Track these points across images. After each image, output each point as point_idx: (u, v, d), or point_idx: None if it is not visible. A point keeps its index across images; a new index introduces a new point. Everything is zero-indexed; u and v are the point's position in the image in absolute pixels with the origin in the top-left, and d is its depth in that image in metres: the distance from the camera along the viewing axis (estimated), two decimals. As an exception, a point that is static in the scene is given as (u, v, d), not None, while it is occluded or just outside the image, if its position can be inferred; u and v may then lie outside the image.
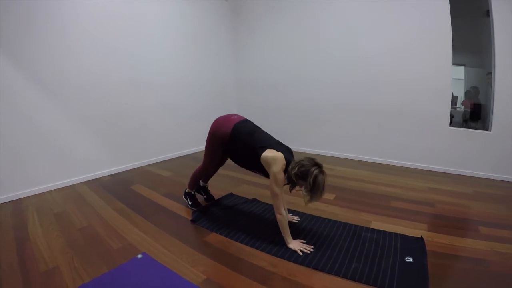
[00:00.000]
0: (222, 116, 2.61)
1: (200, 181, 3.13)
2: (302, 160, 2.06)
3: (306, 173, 1.99)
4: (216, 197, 3.22)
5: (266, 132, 2.47)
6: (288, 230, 2.22)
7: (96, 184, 3.82)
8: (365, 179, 3.79)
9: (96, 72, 3.93)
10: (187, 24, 5.23)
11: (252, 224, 2.59)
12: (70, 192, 3.53)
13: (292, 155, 2.29)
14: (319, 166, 2.02)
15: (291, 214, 2.72)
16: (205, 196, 3.21)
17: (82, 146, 3.90)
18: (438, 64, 4.00)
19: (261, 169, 2.26)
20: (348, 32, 4.72)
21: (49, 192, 3.54)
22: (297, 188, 2.16)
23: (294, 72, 5.50)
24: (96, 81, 3.94)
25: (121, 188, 3.62)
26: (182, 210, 2.97)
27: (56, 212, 2.96)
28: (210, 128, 2.58)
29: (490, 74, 3.91)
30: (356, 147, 4.95)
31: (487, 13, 3.88)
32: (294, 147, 5.46)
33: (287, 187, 2.21)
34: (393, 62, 4.35)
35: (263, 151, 2.17)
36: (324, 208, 2.90)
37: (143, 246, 2.30)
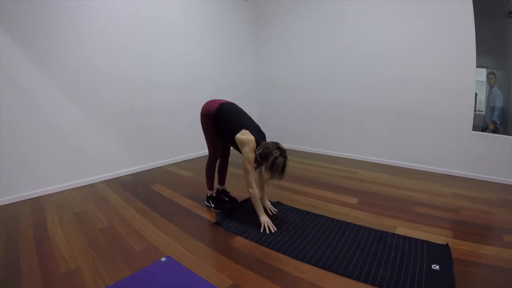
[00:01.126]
0: (210, 100, 2.79)
1: (218, 185, 3.09)
2: (267, 143, 2.34)
3: (268, 154, 2.24)
4: (238, 199, 3.11)
5: (248, 115, 2.64)
6: (260, 204, 2.50)
7: (115, 183, 3.75)
8: (387, 183, 3.65)
9: (117, 71, 3.88)
10: (208, 23, 5.17)
11: (278, 228, 2.49)
12: (89, 191, 3.47)
13: (265, 138, 2.55)
14: (281, 150, 2.28)
15: (275, 210, 2.83)
16: (226, 199, 3.10)
17: (102, 145, 3.84)
18: (462, 66, 3.81)
19: (236, 146, 2.48)
20: (371, 32, 4.56)
21: (68, 190, 3.49)
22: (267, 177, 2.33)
23: (315, 72, 5.36)
24: (117, 80, 3.90)
25: (141, 188, 3.55)
26: (204, 211, 2.87)
27: (76, 211, 2.88)
28: (201, 111, 2.73)
29: (492, 74, 3.74)
30: (377, 150, 4.77)
31: (510, 14, 3.71)
32: (315, 149, 5.43)
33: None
34: (417, 62, 4.17)
35: (239, 131, 2.40)
36: (348, 212, 2.80)
37: (166, 248, 2.20)
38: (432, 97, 4.08)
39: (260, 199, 2.64)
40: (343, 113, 5.08)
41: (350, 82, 4.90)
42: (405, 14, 4.18)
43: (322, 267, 1.93)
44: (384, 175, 4.02)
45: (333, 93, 5.15)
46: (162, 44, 4.40)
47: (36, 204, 3.08)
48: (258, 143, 2.38)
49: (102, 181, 3.80)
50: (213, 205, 2.90)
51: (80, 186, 3.61)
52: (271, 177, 2.28)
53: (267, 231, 2.39)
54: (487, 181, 3.74)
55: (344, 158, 5.01)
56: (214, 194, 2.99)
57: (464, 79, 3.81)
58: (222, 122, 2.55)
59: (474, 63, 3.73)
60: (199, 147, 5.11)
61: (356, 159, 4.95)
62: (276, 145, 2.31)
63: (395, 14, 4.27)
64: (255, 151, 2.35)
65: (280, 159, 2.23)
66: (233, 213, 2.80)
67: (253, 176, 2.41)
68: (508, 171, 3.69)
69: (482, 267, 1.96)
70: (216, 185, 3.08)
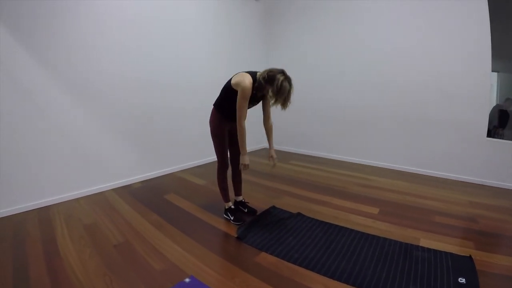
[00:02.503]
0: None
1: (235, 196, 2.97)
2: (270, 68, 2.32)
3: (273, 78, 2.22)
4: (257, 210, 2.97)
5: None
6: (246, 143, 2.42)
7: (126, 191, 3.59)
8: (405, 191, 3.59)
9: (127, 76, 3.74)
10: (219, 24, 5.05)
11: (302, 242, 2.39)
12: (99, 200, 3.30)
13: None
14: (285, 75, 2.27)
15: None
16: (245, 210, 2.95)
17: (110, 151, 3.69)
18: (476, 70, 3.75)
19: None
20: (384, 33, 4.47)
21: (77, 199, 3.33)
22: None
23: (327, 73, 5.26)
24: (126, 84, 3.75)
25: (154, 197, 3.38)
26: (224, 224, 2.71)
27: (86, 223, 2.72)
28: (210, 119, 2.66)
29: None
30: (390, 155, 4.69)
31: None
32: (325, 154, 5.29)
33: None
34: (430, 66, 4.10)
35: (231, 79, 2.40)
36: (371, 223, 2.72)
37: (188, 267, 2.04)
38: (446, 102, 4.03)
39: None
40: (355, 117, 4.99)
41: (364, 85, 4.81)
42: (420, 17, 4.11)
43: (353, 284, 1.85)
44: (400, 182, 3.97)
45: (345, 96, 5.06)
46: (172, 47, 4.27)
47: (44, 215, 2.92)
48: (253, 77, 2.36)
49: (111, 189, 3.65)
50: (232, 218, 2.75)
51: (89, 195, 3.45)
52: (276, 102, 2.29)
53: (242, 170, 2.51)
54: (502, 188, 3.73)
55: (357, 164, 4.93)
56: (232, 206, 2.84)
57: (478, 84, 3.76)
58: (223, 100, 2.54)
59: (490, 68, 3.67)
60: (209, 152, 4.96)
61: (370, 164, 4.88)
62: (281, 70, 2.30)
63: (409, 15, 4.22)
64: (254, 82, 2.32)
65: (286, 84, 2.23)
66: (254, 226, 2.66)
67: (245, 112, 2.35)
68: None
69: (505, 278, 1.93)
70: (232, 195, 2.94)
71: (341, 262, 2.09)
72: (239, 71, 2.47)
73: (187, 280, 1.88)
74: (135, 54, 3.78)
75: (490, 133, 3.89)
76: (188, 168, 4.63)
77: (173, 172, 4.41)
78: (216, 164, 2.73)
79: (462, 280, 1.88)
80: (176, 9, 4.25)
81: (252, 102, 2.45)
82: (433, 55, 4.05)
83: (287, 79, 2.27)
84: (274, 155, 2.71)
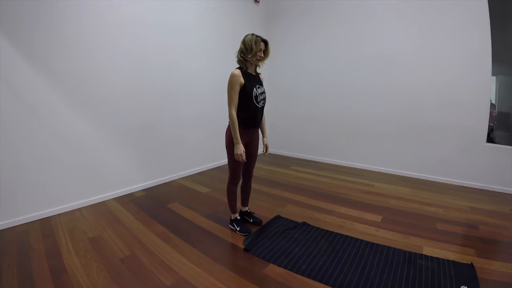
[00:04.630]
0: None
1: (241, 206, 2.95)
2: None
3: (244, 46, 2.38)
4: (262, 220, 2.96)
5: None
6: (238, 133, 2.40)
7: (129, 200, 3.55)
8: (407, 197, 3.63)
9: (127, 84, 3.70)
10: (220, 29, 5.03)
11: (309, 253, 2.40)
12: (101, 210, 3.27)
13: None
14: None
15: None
16: (251, 220, 2.94)
17: (111, 159, 3.64)
18: (476, 77, 3.80)
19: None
20: (386, 41, 4.50)
21: (79, 209, 3.29)
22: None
23: (328, 80, 5.27)
24: (128, 92, 3.71)
25: (157, 207, 3.35)
26: (230, 235, 2.70)
27: (90, 236, 2.68)
28: (226, 132, 2.62)
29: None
30: (392, 161, 4.71)
31: None
32: (328, 159, 5.29)
33: None
34: (431, 73, 4.15)
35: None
36: (375, 232, 2.74)
37: (198, 281, 2.02)
38: (447, 108, 4.07)
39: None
40: (356, 122, 5.01)
41: (365, 90, 4.83)
42: (422, 24, 4.14)
43: None
44: (401, 188, 4.00)
45: (346, 102, 5.08)
46: (172, 53, 4.24)
47: (46, 226, 2.88)
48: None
49: (113, 198, 3.61)
50: (238, 229, 2.74)
51: (91, 205, 3.41)
52: (260, 55, 2.40)
53: (240, 160, 2.43)
54: (502, 193, 3.78)
55: (359, 169, 4.95)
56: (238, 217, 2.81)
57: (478, 90, 3.80)
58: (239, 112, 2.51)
59: (490, 75, 3.71)
60: (210, 159, 4.99)
61: (371, 169, 4.90)
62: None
63: (411, 23, 4.23)
64: (242, 71, 2.41)
65: (248, 35, 2.37)
66: (260, 236, 2.65)
67: (235, 102, 2.39)
68: None
69: (506, 286, 1.97)
70: (238, 206, 2.90)
71: (348, 272, 2.12)
72: None
73: (198, 295, 1.85)
74: (134, 61, 3.75)
75: (490, 138, 3.92)
76: (190, 175, 4.61)
77: (174, 180, 4.38)
78: (228, 176, 2.69)
79: None
80: (175, 15, 4.23)
81: (254, 84, 2.48)
82: (434, 61, 4.09)
83: (253, 34, 2.38)
84: (267, 143, 2.81)
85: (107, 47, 3.46)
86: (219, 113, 4.96)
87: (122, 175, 3.77)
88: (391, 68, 4.49)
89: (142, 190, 3.93)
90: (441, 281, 2.00)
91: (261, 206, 3.28)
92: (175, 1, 4.20)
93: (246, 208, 2.98)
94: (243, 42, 2.37)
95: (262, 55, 2.44)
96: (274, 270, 2.15)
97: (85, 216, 3.13)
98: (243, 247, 2.46)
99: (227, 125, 2.53)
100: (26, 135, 2.91)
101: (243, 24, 5.52)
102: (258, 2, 5.78)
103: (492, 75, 3.74)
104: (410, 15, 4.22)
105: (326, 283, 1.98)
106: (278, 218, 3.07)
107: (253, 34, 2.37)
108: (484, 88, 3.77)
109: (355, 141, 5.09)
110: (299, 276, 2.07)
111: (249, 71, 2.48)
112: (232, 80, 2.36)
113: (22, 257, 2.33)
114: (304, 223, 2.93)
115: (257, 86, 2.49)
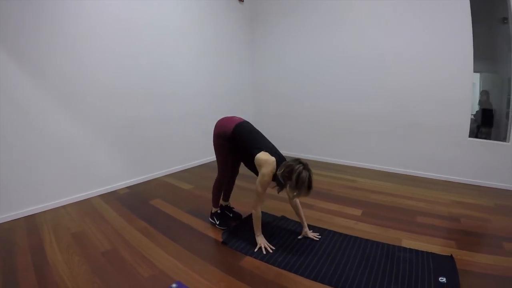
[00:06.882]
0: (224, 118, 2.67)
1: (222, 201, 3.00)
2: (288, 161, 2.21)
3: (291, 172, 2.11)
4: (242, 214, 3.04)
5: (264, 135, 2.55)
6: (260, 226, 2.40)
7: (113, 197, 3.62)
8: (389, 192, 3.70)
9: (110, 81, 3.75)
10: (204, 28, 5.08)
11: (287, 246, 2.47)
12: (86, 207, 3.33)
13: (284, 160, 2.36)
14: (303, 164, 2.15)
15: (311, 230, 2.66)
16: (231, 215, 3.03)
17: (97, 157, 3.70)
18: (459, 75, 3.91)
19: (254, 169, 2.38)
20: (371, 39, 4.59)
21: (64, 207, 3.34)
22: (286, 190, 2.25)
23: (312, 78, 5.35)
24: (110, 90, 3.76)
25: (140, 203, 3.42)
26: (210, 229, 2.78)
27: (74, 231, 2.75)
28: (214, 131, 2.61)
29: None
30: (376, 157, 4.81)
31: (504, 20, 3.82)
32: (312, 156, 5.38)
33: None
34: (413, 71, 4.25)
35: (258, 151, 2.29)
36: (354, 225, 2.80)
37: (175, 273, 2.10)
38: (430, 105, 4.15)
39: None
40: (341, 120, 5.08)
41: (347, 89, 4.92)
42: (405, 23, 4.22)
43: (336, 286, 1.92)
44: (384, 183, 4.06)
45: (331, 100, 5.16)
46: (156, 53, 4.29)
47: (31, 223, 2.93)
48: (278, 165, 2.25)
49: (98, 196, 3.67)
50: (217, 222, 2.82)
51: (76, 202, 3.47)
52: (297, 195, 2.17)
53: (264, 252, 2.33)
54: (485, 187, 3.86)
55: (343, 165, 5.03)
56: (218, 211, 2.89)
57: (461, 87, 3.89)
58: (239, 143, 2.47)
59: (471, 72, 3.81)
60: (195, 157, 5.05)
61: (356, 166, 4.98)
62: (298, 160, 2.19)
63: (395, 22, 4.31)
64: (274, 174, 2.23)
65: (305, 173, 2.10)
66: (239, 230, 2.74)
67: (261, 200, 2.32)
68: (504, 177, 3.81)
69: (486, 277, 2.00)
70: (220, 201, 2.98)
71: (324, 265, 2.16)
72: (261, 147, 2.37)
73: (174, 286, 1.94)
74: (119, 61, 3.80)
75: (477, 134, 4.05)
76: (174, 173, 4.67)
77: (159, 177, 4.45)
78: (217, 173, 2.75)
79: (442, 279, 1.94)
80: (161, 14, 4.29)
81: None
82: (416, 60, 4.19)
83: (305, 167, 2.16)
84: (310, 235, 2.60)
85: (93, 46, 3.52)
86: (204, 112, 5.06)
87: (107, 173, 3.83)
88: (374, 67, 4.59)
89: (127, 187, 3.99)
90: (419, 273, 2.03)
91: (242, 201, 3.34)
92: (161, 1, 4.25)
93: (227, 203, 3.06)
94: (297, 176, 2.10)
95: (297, 197, 2.26)
96: (251, 262, 2.23)
97: (70, 213, 3.19)
98: (221, 240, 2.54)
99: (216, 122, 2.64)
100: (10, 133, 2.95)
101: (228, 23, 5.58)
102: (243, 1, 5.81)
103: (475, 72, 3.85)
104: (394, 15, 4.31)
105: (302, 275, 2.04)
106: (257, 212, 3.13)
107: (310, 177, 2.16)
108: (465, 83, 3.88)
109: (339, 138, 5.19)
110: (275, 268, 2.14)
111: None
112: (268, 180, 2.25)
113: (7, 253, 2.39)
114: (283, 217, 3.01)
115: None
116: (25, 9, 2.94)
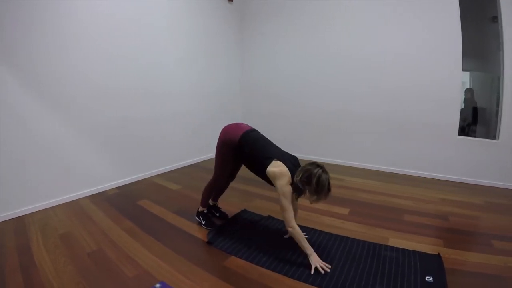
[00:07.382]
0: (231, 124, 2.62)
1: (210, 200, 3.02)
2: (305, 166, 2.14)
3: (310, 177, 2.05)
4: (229, 214, 3.08)
5: (272, 142, 2.49)
6: (306, 241, 2.17)
7: (101, 198, 3.65)
8: (377, 190, 3.73)
9: (100, 81, 3.76)
10: (193, 28, 5.10)
11: (272, 245, 2.47)
12: (74, 208, 3.35)
13: (298, 163, 2.34)
14: (321, 167, 2.09)
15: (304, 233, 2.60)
16: (217, 214, 3.07)
17: (85, 158, 3.72)
18: (448, 74, 3.96)
19: (267, 179, 2.30)
20: (361, 38, 4.63)
21: (52, 208, 3.36)
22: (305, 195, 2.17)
23: (302, 77, 5.39)
24: (100, 90, 3.77)
25: (128, 204, 3.45)
26: (196, 229, 2.82)
27: (61, 233, 2.78)
28: (219, 136, 2.56)
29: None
30: (366, 155, 4.86)
31: (493, 19, 3.85)
32: (302, 155, 5.41)
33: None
34: (404, 70, 4.30)
35: (269, 162, 2.21)
36: (340, 224, 2.83)
37: (159, 273, 2.14)
38: (420, 104, 4.20)
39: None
40: (330, 119, 5.13)
41: (337, 89, 4.96)
42: (396, 23, 4.27)
43: (320, 285, 1.93)
44: (372, 181, 4.10)
45: (320, 100, 5.20)
46: (145, 52, 4.31)
47: (19, 225, 2.96)
48: (293, 173, 2.17)
49: (87, 197, 3.69)
50: (203, 222, 2.86)
51: (65, 203, 3.49)
52: (317, 199, 2.08)
53: (322, 272, 2.07)
54: (474, 184, 3.90)
55: (332, 164, 5.02)
56: (205, 211, 2.94)
57: (450, 86, 3.94)
58: (247, 152, 2.40)
59: (461, 71, 3.87)
60: (184, 157, 5.09)
61: (344, 164, 5.03)
62: (315, 164, 2.12)
63: (385, 21, 4.36)
64: (292, 182, 2.15)
65: (324, 176, 2.05)
66: (225, 230, 2.76)
67: (291, 213, 2.14)
68: (494, 174, 3.86)
69: (474, 276, 2.01)
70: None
71: (309, 265, 2.15)
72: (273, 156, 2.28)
73: (157, 285, 1.98)
74: (107, 62, 3.82)
75: (464, 131, 4.11)
76: (163, 173, 4.70)
77: (148, 178, 4.47)
78: (213, 176, 2.74)
79: (429, 278, 1.94)
80: (147, 14, 4.29)
81: None
82: (406, 59, 4.24)
83: (324, 170, 2.10)
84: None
85: (82, 46, 3.53)
86: (194, 112, 5.11)
87: (97, 173, 3.85)
88: (365, 67, 4.63)
89: (116, 188, 4.02)
90: (406, 272, 2.02)
91: (229, 201, 3.37)
92: (150, 1, 4.28)
93: (215, 203, 3.10)
94: (317, 180, 2.04)
95: (317, 201, 2.14)
96: (235, 262, 2.26)
97: (58, 214, 3.21)
98: (206, 240, 2.58)
99: (224, 126, 2.60)
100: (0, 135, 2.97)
101: (217, 23, 5.60)
102: (232, 1, 5.83)
103: (464, 70, 3.91)
104: (386, 12, 4.35)
105: (285, 274, 2.06)
106: (244, 212, 3.18)
107: (327, 174, 2.10)
108: (454, 82, 3.94)
109: (328, 137, 5.24)
110: (259, 268, 2.17)
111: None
112: (288, 191, 2.15)
113: (-6, 254, 2.41)
114: (269, 216, 3.04)
115: None
116: (14, 9, 2.95)
